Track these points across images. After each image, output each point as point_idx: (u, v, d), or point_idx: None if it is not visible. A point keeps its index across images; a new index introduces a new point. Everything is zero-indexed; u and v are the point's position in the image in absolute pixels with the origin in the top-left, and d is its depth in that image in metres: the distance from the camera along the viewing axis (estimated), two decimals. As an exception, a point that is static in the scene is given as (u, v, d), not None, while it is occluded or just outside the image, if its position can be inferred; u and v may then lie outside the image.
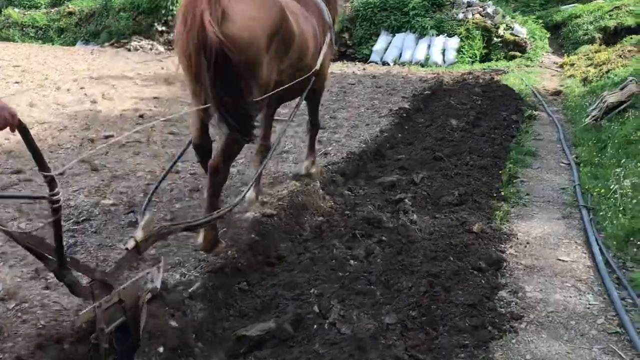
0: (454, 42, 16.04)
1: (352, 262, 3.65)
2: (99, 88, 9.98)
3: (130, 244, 2.71)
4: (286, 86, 3.86)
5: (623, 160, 5.75)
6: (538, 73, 13.09)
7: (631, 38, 13.08)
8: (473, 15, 16.46)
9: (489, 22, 16.09)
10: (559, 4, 18.16)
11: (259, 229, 3.99)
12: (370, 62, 16.80)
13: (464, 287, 3.35)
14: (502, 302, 3.34)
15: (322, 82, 4.97)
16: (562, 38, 16.15)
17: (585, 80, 11.60)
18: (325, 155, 6.27)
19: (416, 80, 12.66)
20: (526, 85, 11.53)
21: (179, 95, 9.73)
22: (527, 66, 14.24)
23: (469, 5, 16.90)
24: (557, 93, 10.95)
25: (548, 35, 16.13)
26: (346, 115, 8.65)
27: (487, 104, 9.43)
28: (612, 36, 14.37)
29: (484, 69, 14.35)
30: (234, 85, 3.26)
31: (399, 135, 7.50)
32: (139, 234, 2.78)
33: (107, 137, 6.57)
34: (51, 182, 2.05)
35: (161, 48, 20.55)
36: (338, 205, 4.93)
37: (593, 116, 7.95)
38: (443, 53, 16.09)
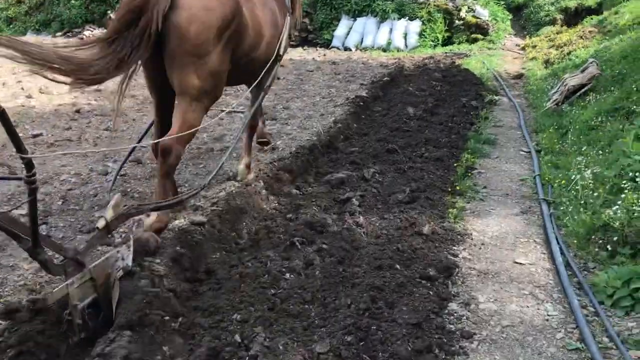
0: (415, 26, 15.71)
1: (288, 275, 3.26)
2: (38, 81, 9.33)
3: (101, 223, 2.79)
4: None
5: (584, 148, 5.47)
6: (500, 56, 12.86)
7: (591, 19, 12.91)
8: (434, -3, 16.13)
9: (450, 5, 15.78)
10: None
11: (186, 239, 3.56)
12: (332, 47, 16.39)
13: (410, 302, 2.99)
14: (451, 317, 3.00)
15: (277, 67, 4.73)
16: (524, 19, 15.95)
17: (547, 62, 11.39)
18: (272, 150, 5.86)
19: (376, 66, 12.29)
20: (487, 69, 11.26)
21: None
22: (489, 49, 13.99)
23: (431, -13, 16.56)
24: (519, 76, 10.71)
25: (510, 17, 15.91)
26: (300, 105, 8.24)
27: (447, 89, 9.11)
28: (573, 17, 14.20)
29: (446, 52, 14.05)
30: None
31: (354, 125, 7.12)
32: (108, 213, 2.85)
33: (35, 136, 6.04)
34: (28, 165, 2.13)
35: (115, 37, 19.74)
36: (282, 206, 4.53)
37: (554, 100, 7.70)
38: (405, 37, 15.75)
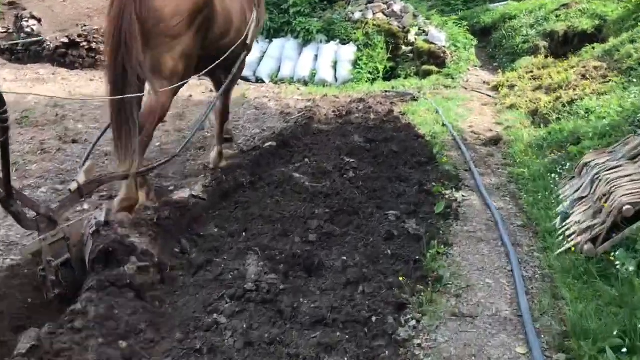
0: (348, 52, 11.49)
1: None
2: None
3: (73, 186, 3.03)
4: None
5: None
6: (462, 100, 8.63)
7: (593, 48, 8.90)
8: (374, 14, 11.97)
9: (395, 25, 11.63)
10: (487, 2, 13.96)
11: None
12: (239, 77, 12.05)
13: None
14: None
15: (244, 58, 4.96)
16: (493, 47, 11.87)
17: (535, 115, 7.29)
18: None
19: (275, 114, 7.94)
20: (443, 125, 7.04)
21: None
22: (447, 87, 9.81)
23: (370, 1, 12.39)
24: (495, 141, 6.47)
25: (475, 42, 11.78)
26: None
27: (368, 176, 4.81)
28: (561, 45, 10.19)
29: (386, 91, 9.83)
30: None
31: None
32: (81, 177, 3.11)
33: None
34: None
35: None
36: None
37: (586, 231, 3.46)
38: (335, 67, 11.52)
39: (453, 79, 10.35)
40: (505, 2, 13.19)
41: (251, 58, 12.30)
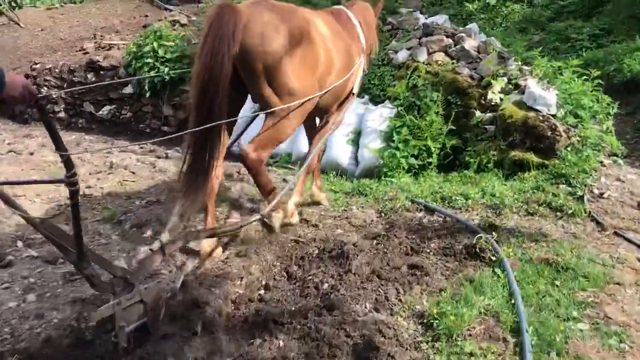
0: (379, 117, 6.63)
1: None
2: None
3: (155, 245, 2.81)
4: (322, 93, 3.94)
5: None
6: (593, 282, 3.25)
7: None
8: (430, 54, 6.99)
9: (465, 73, 6.58)
10: (629, 37, 8.44)
11: None
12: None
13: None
14: None
15: (347, 105, 4.67)
16: (649, 116, 6.51)
17: None
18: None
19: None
20: None
21: None
22: (556, 212, 4.62)
23: (427, 33, 7.37)
24: None
25: (614, 109, 6.37)
26: None
27: None
28: None
29: (426, 207, 4.82)
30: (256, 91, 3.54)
31: None
32: (165, 236, 2.92)
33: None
34: (67, 163, 2.06)
35: None
36: None
37: None
38: (356, 141, 6.73)
39: (570, 185, 5.16)
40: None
41: (240, 121, 7.82)
